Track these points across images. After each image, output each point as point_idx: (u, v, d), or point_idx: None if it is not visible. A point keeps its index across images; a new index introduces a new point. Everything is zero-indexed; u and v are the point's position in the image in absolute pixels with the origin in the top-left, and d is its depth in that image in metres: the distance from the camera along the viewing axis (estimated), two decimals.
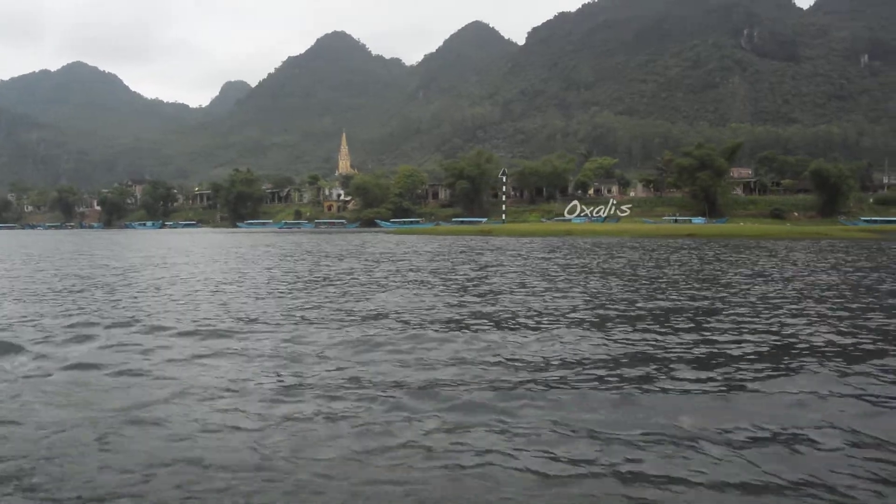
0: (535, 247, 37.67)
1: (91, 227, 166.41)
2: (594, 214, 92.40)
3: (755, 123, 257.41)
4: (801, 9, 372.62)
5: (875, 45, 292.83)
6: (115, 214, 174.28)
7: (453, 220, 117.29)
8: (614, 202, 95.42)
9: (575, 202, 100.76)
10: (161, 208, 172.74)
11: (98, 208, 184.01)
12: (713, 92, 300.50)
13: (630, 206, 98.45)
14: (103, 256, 30.00)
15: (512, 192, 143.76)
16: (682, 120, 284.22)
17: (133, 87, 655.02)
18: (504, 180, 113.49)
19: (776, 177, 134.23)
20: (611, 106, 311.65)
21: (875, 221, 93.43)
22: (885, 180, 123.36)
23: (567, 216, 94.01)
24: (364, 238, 55.29)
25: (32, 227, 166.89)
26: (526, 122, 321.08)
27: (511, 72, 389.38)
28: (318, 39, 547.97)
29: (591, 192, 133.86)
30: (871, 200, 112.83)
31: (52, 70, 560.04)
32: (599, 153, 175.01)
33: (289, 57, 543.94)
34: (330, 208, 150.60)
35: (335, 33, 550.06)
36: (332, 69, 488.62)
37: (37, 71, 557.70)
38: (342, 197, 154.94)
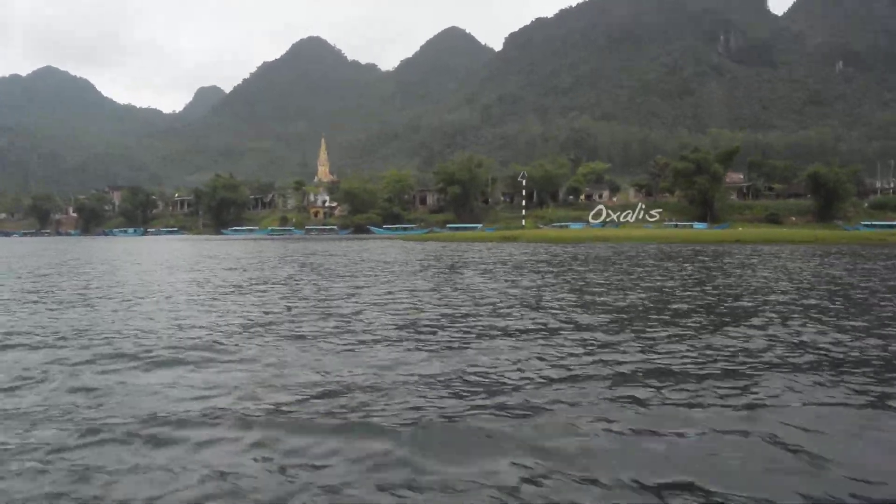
0: (647, 254, 34.27)
1: (68, 234, 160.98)
2: (622, 219, 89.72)
3: (734, 129, 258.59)
4: (776, 15, 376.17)
5: (848, 52, 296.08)
6: (92, 221, 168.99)
7: (448, 226, 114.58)
8: (642, 206, 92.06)
9: (600, 207, 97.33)
10: (140, 215, 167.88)
11: (74, 215, 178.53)
12: (690, 98, 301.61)
13: (660, 210, 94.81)
14: (136, 271, 26.66)
15: (501, 198, 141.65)
16: (661, 125, 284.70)
17: (105, 93, 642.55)
18: (524, 183, 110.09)
19: (766, 181, 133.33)
20: (589, 111, 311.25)
21: (876, 226, 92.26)
22: (878, 185, 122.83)
23: (592, 222, 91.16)
24: (379, 247, 51.72)
25: (7, 234, 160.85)
26: (505, 128, 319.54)
27: (489, 77, 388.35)
28: (292, 45, 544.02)
29: (582, 197, 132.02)
30: (866, 205, 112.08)
31: (23, 75, 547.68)
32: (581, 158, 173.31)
33: (263, 62, 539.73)
34: (317, 214, 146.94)
35: (310, 38, 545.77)
36: (308, 75, 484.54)
37: (6, 75, 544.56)
38: (327, 203, 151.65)
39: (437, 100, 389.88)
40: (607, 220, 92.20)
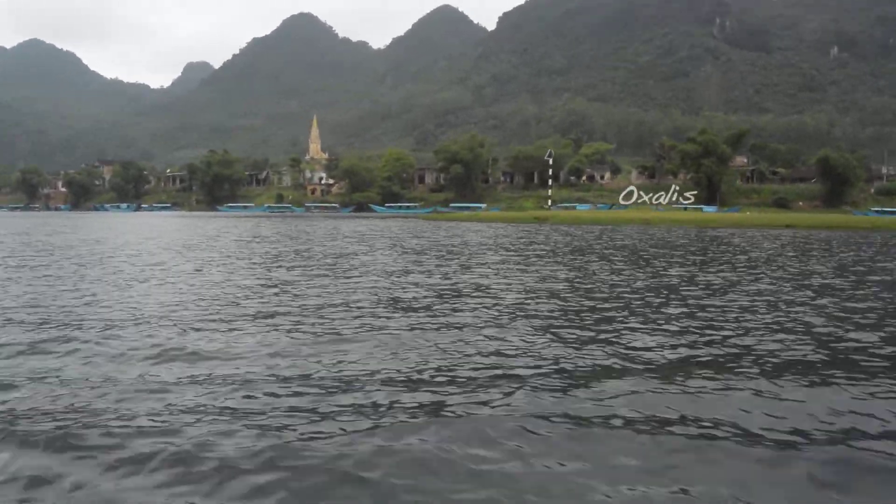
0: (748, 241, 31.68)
1: (58, 209, 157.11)
2: (654, 201, 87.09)
3: (727, 112, 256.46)
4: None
5: (843, 38, 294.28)
6: (82, 197, 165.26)
7: (451, 205, 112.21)
8: (676, 188, 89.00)
9: (632, 188, 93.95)
10: (132, 190, 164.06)
11: (63, 190, 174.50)
12: (685, 80, 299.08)
13: (694, 192, 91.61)
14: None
15: (501, 178, 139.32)
16: (655, 107, 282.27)
17: (92, 67, 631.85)
18: (550, 162, 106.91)
19: (769, 165, 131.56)
20: (583, 92, 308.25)
21: (886, 212, 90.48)
22: (885, 170, 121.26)
23: (623, 203, 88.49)
24: (413, 227, 48.72)
25: None
26: (498, 108, 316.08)
27: (482, 57, 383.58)
28: (283, 20, 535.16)
29: (583, 178, 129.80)
30: (873, 191, 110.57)
31: (8, 47, 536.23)
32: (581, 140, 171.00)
33: (253, 38, 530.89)
34: (313, 192, 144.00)
35: (301, 14, 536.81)
36: (299, 51, 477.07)
37: None
38: (324, 180, 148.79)
39: (429, 79, 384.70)
40: (638, 201, 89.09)
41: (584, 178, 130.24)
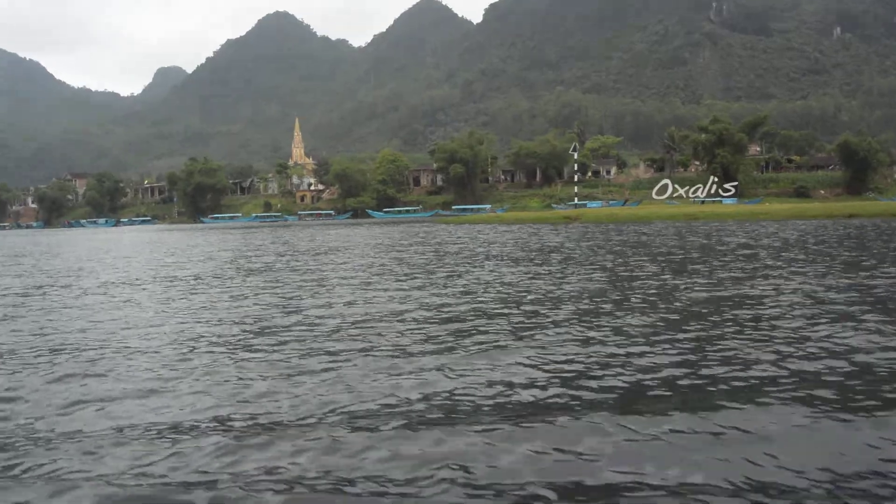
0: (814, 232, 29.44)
1: (29, 226, 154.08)
2: (692, 195, 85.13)
3: (729, 99, 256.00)
4: None
5: (845, 17, 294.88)
6: (55, 212, 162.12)
7: (453, 208, 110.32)
8: (715, 180, 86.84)
9: (666, 181, 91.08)
10: (108, 204, 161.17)
11: (34, 206, 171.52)
12: (683, 68, 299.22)
13: (735, 184, 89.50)
14: None
15: (502, 176, 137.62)
16: (654, 97, 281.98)
17: (58, 76, 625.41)
18: (576, 156, 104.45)
19: (782, 153, 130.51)
20: (577, 84, 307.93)
21: None
22: None
23: (656, 198, 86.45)
24: (429, 231, 46.51)
25: None
26: (488, 104, 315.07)
27: (468, 51, 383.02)
28: (258, 20, 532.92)
29: (589, 174, 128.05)
30: None
31: None
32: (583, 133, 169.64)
33: (227, 40, 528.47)
34: (303, 199, 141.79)
35: (276, 13, 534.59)
36: (275, 52, 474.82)
37: None
38: (313, 186, 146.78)
39: (414, 76, 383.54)
40: (674, 195, 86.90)
41: (589, 173, 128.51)
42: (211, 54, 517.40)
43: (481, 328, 8.24)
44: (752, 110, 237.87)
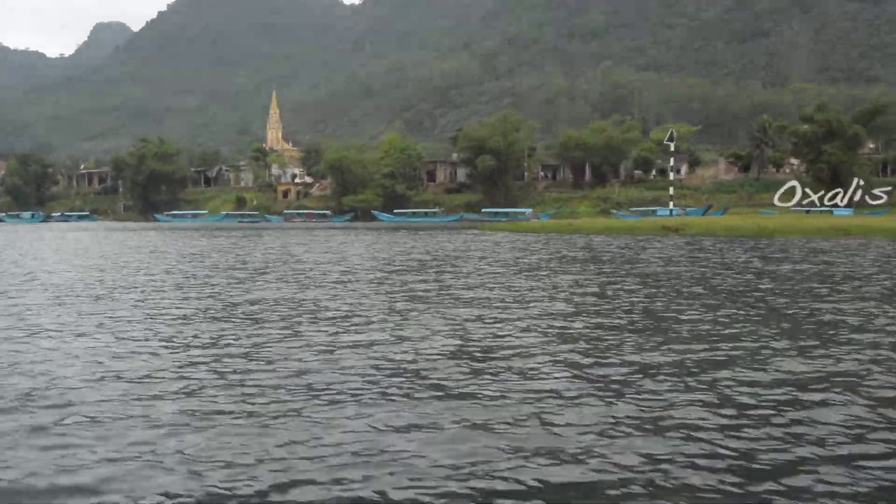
0: None
1: None
2: (827, 203, 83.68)
3: (823, 82, 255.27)
4: None
5: None
6: None
7: (483, 210, 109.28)
8: (860, 182, 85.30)
9: (794, 183, 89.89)
10: (34, 194, 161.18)
11: None
12: (764, 41, 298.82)
13: (888, 189, 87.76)
14: None
15: (541, 173, 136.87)
16: (726, 78, 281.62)
17: None
18: (672, 147, 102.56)
19: None
20: (628, 59, 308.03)
21: None
22: None
23: (779, 204, 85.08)
24: (502, 243, 44.83)
25: None
26: (516, 81, 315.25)
27: (492, 14, 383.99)
28: None
29: (653, 173, 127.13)
30: None
31: None
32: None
33: None
34: (286, 194, 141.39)
35: None
36: (245, 8, 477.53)
37: None
38: (298, 178, 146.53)
39: (423, 44, 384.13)
40: (804, 202, 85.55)
41: (653, 172, 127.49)
42: (164, 7, 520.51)
43: None
44: (853, 98, 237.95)
